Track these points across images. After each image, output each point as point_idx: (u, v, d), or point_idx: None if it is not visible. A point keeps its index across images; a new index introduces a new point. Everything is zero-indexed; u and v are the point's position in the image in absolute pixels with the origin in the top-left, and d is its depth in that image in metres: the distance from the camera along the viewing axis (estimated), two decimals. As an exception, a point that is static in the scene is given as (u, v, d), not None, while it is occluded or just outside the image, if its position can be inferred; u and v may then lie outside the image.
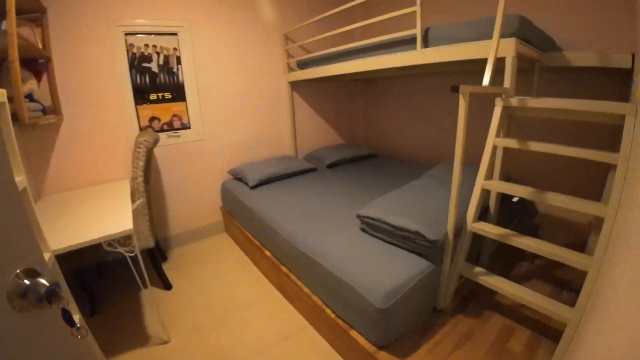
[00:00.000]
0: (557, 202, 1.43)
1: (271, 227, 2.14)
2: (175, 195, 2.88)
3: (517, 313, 1.80)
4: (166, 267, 2.54)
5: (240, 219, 2.72)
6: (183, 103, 2.83)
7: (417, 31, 1.85)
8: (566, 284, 2.02)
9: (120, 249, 1.60)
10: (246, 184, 2.76)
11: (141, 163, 2.10)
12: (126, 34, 2.50)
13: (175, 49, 2.72)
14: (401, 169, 3.16)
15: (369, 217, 1.79)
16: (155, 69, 2.66)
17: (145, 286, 1.78)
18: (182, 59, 2.75)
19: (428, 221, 1.63)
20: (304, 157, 3.58)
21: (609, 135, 2.19)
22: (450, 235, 1.61)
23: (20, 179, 0.95)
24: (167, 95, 2.76)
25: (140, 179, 2.12)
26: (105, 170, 2.52)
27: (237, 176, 2.91)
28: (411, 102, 3.62)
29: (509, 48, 1.50)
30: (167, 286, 2.30)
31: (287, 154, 3.51)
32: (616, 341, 0.75)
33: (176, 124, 2.84)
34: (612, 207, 1.22)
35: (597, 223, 1.82)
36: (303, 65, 3.14)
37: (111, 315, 2.04)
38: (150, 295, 2.16)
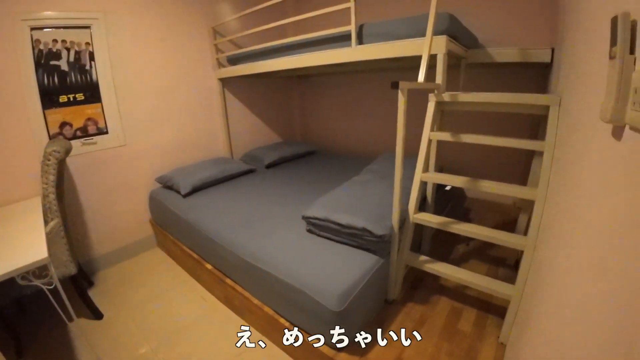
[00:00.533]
0: (492, 189, 1.53)
1: (210, 238, 1.99)
2: (95, 211, 2.54)
3: (462, 294, 1.91)
4: (94, 294, 2.24)
5: (174, 231, 2.49)
6: (98, 104, 2.50)
7: (352, 28, 1.84)
8: (501, 261, 2.21)
9: (37, 282, 1.35)
10: (178, 192, 2.52)
11: (52, 177, 1.80)
12: (32, 29, 2.13)
13: (87, 43, 2.38)
14: (341, 164, 3.18)
15: (315, 218, 1.75)
16: (65, 67, 2.31)
17: (70, 319, 1.54)
18: (96, 55, 2.42)
19: (374, 217, 1.64)
20: (240, 158, 3.42)
21: (529, 124, 2.44)
22: (396, 228, 1.64)
23: None
24: (80, 97, 2.41)
25: (53, 196, 1.82)
26: (10, 189, 2.12)
27: (167, 184, 2.65)
28: (347, 97, 3.68)
29: (440, 45, 1.56)
30: (98, 315, 2.02)
31: (222, 155, 3.31)
32: (561, 304, 0.82)
33: (91, 129, 2.49)
34: (542, 190, 1.34)
35: (522, 204, 2.01)
36: (234, 61, 2.98)
37: (40, 355, 1.74)
38: (80, 328, 1.88)
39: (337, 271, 1.49)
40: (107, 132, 2.55)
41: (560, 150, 1.23)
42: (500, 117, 2.38)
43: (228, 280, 1.92)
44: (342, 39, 1.97)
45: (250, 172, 3.02)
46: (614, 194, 0.59)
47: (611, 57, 0.55)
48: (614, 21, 0.54)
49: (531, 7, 2.35)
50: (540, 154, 1.43)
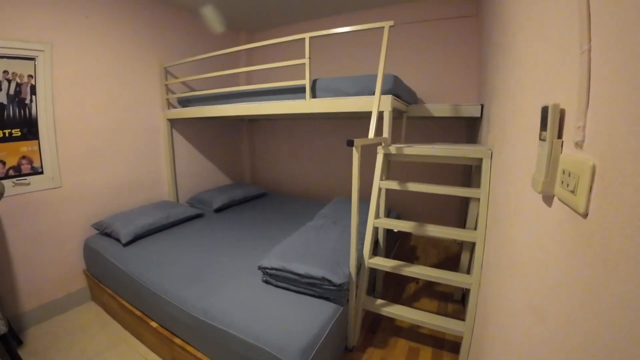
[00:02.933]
0: (438, 233, 1.67)
1: (155, 293, 1.83)
2: (24, 260, 2.22)
3: (418, 334, 1.98)
4: (24, 354, 1.90)
5: (112, 284, 2.25)
6: (35, 142, 2.27)
7: (307, 82, 1.96)
8: (449, 297, 2.35)
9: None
10: (117, 239, 2.31)
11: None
12: None
13: (30, 76, 2.21)
14: (292, 208, 3.20)
15: (272, 268, 1.72)
16: (3, 99, 2.10)
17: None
18: (38, 89, 2.24)
19: (331, 264, 1.67)
20: (187, 202, 3.29)
21: (463, 171, 2.76)
22: (353, 275, 1.68)
23: None
24: (16, 133, 2.18)
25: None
26: None
27: (105, 231, 2.42)
28: (297, 140, 3.81)
29: (386, 103, 1.73)
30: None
31: (166, 199, 3.14)
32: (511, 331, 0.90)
33: (25, 168, 2.24)
34: (481, 233, 1.50)
35: (465, 242, 2.19)
36: (185, 102, 2.96)
37: None
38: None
39: (298, 324, 1.46)
40: (42, 172, 2.31)
41: (495, 195, 1.40)
42: (439, 165, 2.66)
43: (177, 340, 1.75)
44: (296, 91, 2.08)
45: (197, 217, 2.89)
46: (545, 251, 0.69)
47: (541, 139, 0.67)
48: (545, 110, 0.65)
49: (460, 70, 2.76)
50: (477, 199, 1.60)
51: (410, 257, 2.92)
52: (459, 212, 3.00)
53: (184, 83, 3.13)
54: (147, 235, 2.43)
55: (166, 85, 2.99)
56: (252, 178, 4.32)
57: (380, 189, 1.75)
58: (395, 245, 2.61)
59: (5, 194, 2.03)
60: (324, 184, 3.71)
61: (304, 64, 1.96)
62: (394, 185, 1.77)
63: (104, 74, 2.58)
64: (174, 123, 3.12)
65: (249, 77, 3.85)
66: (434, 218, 3.05)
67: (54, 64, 2.30)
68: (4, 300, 2.04)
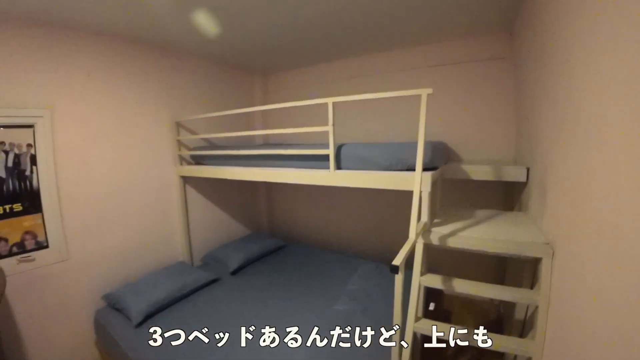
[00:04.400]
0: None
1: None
2: (34, 336, 2.09)
3: None
4: None
5: (124, 363, 2.07)
6: (39, 215, 2.15)
7: (331, 152, 1.77)
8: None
9: None
10: (128, 318, 2.12)
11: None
12: None
13: (29, 145, 2.10)
14: (314, 264, 2.95)
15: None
16: (1, 173, 1.99)
17: None
18: (39, 157, 2.13)
19: None
20: (201, 260, 3.08)
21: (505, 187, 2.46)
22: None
23: None
24: (17, 207, 2.06)
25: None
26: None
27: (115, 305, 2.25)
28: (316, 187, 3.61)
29: (425, 183, 1.50)
30: None
31: (179, 259, 2.94)
32: None
33: (29, 243, 2.12)
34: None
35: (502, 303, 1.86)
36: (197, 158, 2.81)
37: None
38: None
39: None
40: (47, 246, 2.18)
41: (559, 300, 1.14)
42: (477, 183, 2.32)
43: None
44: (319, 158, 1.89)
45: (213, 281, 2.67)
46: None
47: None
48: None
49: (493, 117, 2.51)
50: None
51: (445, 321, 2.58)
52: (494, 270, 2.71)
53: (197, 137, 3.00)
54: (159, 310, 2.23)
55: (178, 140, 2.85)
56: (270, 226, 4.10)
57: (420, 285, 1.50)
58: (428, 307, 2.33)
59: (9, 272, 1.92)
60: (346, 234, 3.47)
61: (327, 131, 1.78)
62: (436, 282, 1.50)
63: (110, 134, 2.45)
64: (187, 178, 2.96)
65: (265, 117, 3.72)
66: (468, 273, 2.72)
67: (55, 129, 2.17)
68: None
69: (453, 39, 2.64)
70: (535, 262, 1.45)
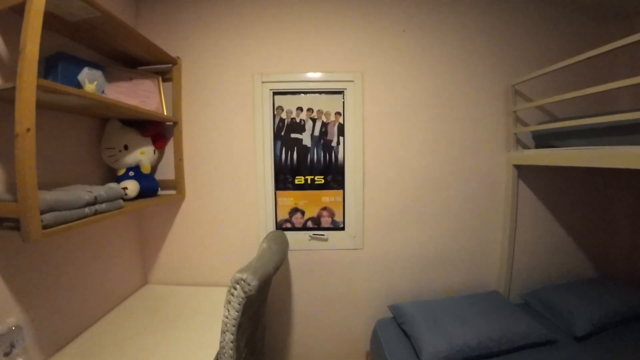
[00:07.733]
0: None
1: None
2: (302, 330, 1.93)
3: None
4: None
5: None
6: (340, 192, 1.91)
7: None
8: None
9: None
10: (415, 351, 1.48)
11: (234, 314, 1.16)
12: (275, 93, 1.84)
13: (338, 113, 1.86)
14: None
15: None
16: (307, 141, 1.88)
17: None
18: (347, 128, 1.86)
19: None
20: (523, 298, 1.96)
21: None
22: None
23: None
24: (319, 180, 1.89)
25: (231, 336, 1.18)
26: (219, 271, 1.89)
27: (403, 326, 1.65)
28: None
29: None
30: None
31: (491, 287, 1.99)
32: None
33: (325, 221, 1.92)
34: None
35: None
36: (543, 139, 1.72)
37: None
38: None
39: None
40: (343, 228, 1.92)
41: None
42: None
43: None
44: None
45: (547, 343, 1.54)
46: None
47: None
48: None
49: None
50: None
51: None
52: None
53: (539, 108, 1.89)
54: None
55: (514, 112, 1.87)
56: (628, 270, 2.13)
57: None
58: None
59: (298, 247, 1.85)
60: None
61: None
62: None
63: (420, 106, 1.87)
64: (521, 171, 1.93)
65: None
66: None
67: (365, 97, 1.81)
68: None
69: None
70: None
